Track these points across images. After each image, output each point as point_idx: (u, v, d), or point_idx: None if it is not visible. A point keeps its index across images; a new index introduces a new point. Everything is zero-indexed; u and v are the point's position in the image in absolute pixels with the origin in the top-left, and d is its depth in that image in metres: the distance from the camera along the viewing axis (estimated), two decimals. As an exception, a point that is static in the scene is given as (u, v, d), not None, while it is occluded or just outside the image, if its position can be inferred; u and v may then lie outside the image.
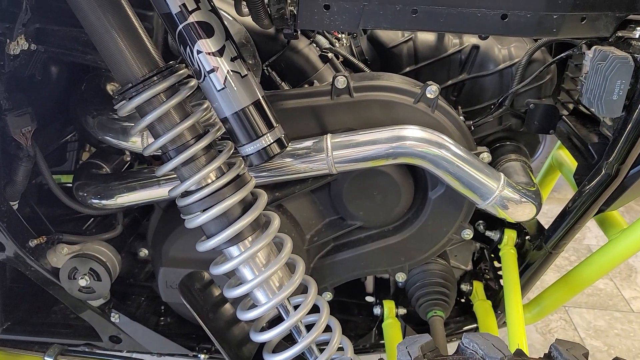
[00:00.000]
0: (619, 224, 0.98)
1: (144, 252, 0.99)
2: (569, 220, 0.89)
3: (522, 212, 0.84)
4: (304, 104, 0.83)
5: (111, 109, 0.82)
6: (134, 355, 1.03)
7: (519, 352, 0.59)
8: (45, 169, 0.86)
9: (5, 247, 0.85)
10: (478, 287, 1.10)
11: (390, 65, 1.01)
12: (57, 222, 0.93)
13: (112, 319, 0.95)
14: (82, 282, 0.90)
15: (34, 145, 0.82)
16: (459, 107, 1.01)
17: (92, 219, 1.02)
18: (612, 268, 0.99)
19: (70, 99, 0.92)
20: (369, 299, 1.11)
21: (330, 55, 0.94)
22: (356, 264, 0.95)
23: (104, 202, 0.88)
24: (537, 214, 0.86)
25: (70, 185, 0.91)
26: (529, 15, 0.64)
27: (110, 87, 0.86)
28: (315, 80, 0.92)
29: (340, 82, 0.82)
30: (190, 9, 0.60)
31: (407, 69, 1.01)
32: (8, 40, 0.68)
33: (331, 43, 0.99)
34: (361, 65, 0.97)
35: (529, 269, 0.99)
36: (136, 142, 0.82)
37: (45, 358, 0.90)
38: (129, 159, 0.95)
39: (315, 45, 0.95)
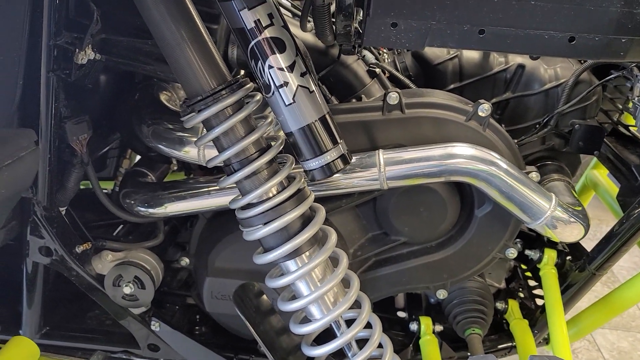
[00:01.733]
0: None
1: (185, 261, 0.99)
2: (615, 242, 0.89)
3: (570, 233, 0.84)
4: (355, 119, 0.84)
5: (166, 119, 0.83)
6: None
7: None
8: (93, 176, 0.87)
9: (53, 252, 0.86)
10: (514, 305, 1.10)
11: (435, 82, 1.01)
12: (88, 228, 0.93)
13: (152, 327, 0.95)
14: (127, 290, 0.90)
15: (87, 153, 0.83)
16: (502, 126, 1.01)
17: (123, 226, 1.02)
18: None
19: (118, 108, 0.93)
20: (401, 314, 1.11)
21: (377, 70, 0.95)
22: (398, 280, 0.95)
23: (151, 210, 0.88)
24: (585, 234, 0.86)
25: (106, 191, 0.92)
26: (597, 39, 0.64)
27: (163, 97, 0.86)
28: (362, 95, 0.92)
29: (393, 98, 0.83)
30: (264, 25, 0.61)
31: (452, 86, 1.01)
32: (77, 50, 0.69)
33: (377, 58, 0.99)
34: (407, 81, 0.97)
35: (570, 289, 0.99)
36: (189, 152, 0.83)
37: (89, 365, 0.90)
38: (175, 168, 0.96)
39: (362, 60, 0.96)
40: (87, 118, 0.80)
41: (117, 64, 0.76)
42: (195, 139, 0.78)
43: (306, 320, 0.72)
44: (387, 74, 0.97)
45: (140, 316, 0.94)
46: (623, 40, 0.64)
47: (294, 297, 0.71)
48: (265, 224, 0.67)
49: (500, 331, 1.10)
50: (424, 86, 1.01)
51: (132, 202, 0.89)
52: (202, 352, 0.95)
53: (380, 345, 0.74)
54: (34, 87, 0.69)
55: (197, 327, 1.03)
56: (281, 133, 0.69)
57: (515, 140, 0.98)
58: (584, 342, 1.72)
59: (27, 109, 0.69)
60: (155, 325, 0.95)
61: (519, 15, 0.61)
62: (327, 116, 0.66)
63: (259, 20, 0.61)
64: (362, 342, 0.73)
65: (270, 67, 0.62)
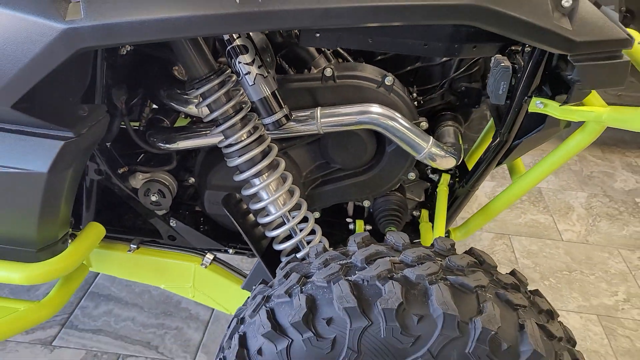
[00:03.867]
0: (520, 171, 1.41)
1: (191, 180, 1.44)
2: (481, 168, 1.32)
3: (445, 163, 1.27)
4: (304, 86, 1.25)
5: (176, 86, 1.24)
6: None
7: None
8: (128, 123, 1.29)
9: (104, 173, 1.30)
10: (424, 213, 1.55)
11: (368, 55, 1.41)
12: (122, 157, 1.35)
13: (171, 224, 1.41)
14: (154, 198, 1.35)
15: (124, 107, 1.25)
16: (415, 86, 1.41)
17: (143, 155, 1.45)
18: (514, 201, 1.42)
19: (144, 76, 1.33)
20: (348, 220, 1.57)
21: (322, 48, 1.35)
22: (336, 194, 1.39)
23: (167, 145, 1.31)
24: (457, 164, 1.29)
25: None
26: (440, 45, 1.05)
27: (175, 71, 1.27)
28: (312, 67, 1.33)
29: (328, 72, 1.23)
30: (235, 37, 1.02)
31: (379, 57, 1.41)
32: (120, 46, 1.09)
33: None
34: (345, 55, 1.37)
35: (456, 201, 1.44)
36: (192, 109, 1.25)
37: (131, 245, 1.37)
38: (184, 116, 1.38)
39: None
40: (124, 85, 1.21)
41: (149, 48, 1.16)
42: (196, 102, 1.20)
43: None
44: (331, 50, 1.37)
45: (162, 216, 1.40)
46: (455, 46, 1.05)
47: (260, 201, 1.16)
48: (239, 156, 1.10)
49: (413, 231, 1.56)
50: (361, 56, 1.41)
51: (155, 139, 1.32)
52: (205, 240, 1.42)
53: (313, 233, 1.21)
54: (94, 72, 1.10)
55: (201, 225, 1.49)
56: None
57: (421, 97, 1.39)
58: (503, 246, 2.20)
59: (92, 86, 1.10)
60: (173, 223, 1.41)
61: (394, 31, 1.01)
62: (276, 91, 1.08)
63: (232, 36, 1.01)
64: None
65: (239, 62, 1.04)
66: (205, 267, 1.31)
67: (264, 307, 0.97)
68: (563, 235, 2.28)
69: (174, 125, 1.39)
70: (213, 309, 1.77)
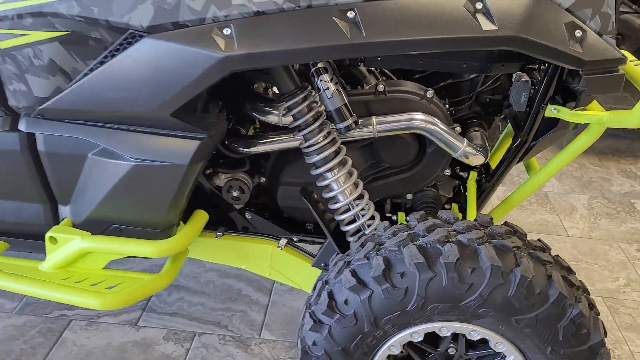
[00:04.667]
0: (535, 167, 1.70)
1: (262, 180, 1.72)
2: (504, 164, 1.61)
3: (476, 160, 1.55)
4: (360, 99, 1.54)
5: (259, 99, 1.53)
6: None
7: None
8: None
9: (196, 173, 1.57)
10: (454, 206, 1.84)
11: (407, 73, 1.71)
12: None
13: (246, 216, 1.68)
14: (235, 194, 1.63)
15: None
16: (447, 99, 1.71)
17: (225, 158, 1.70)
18: (529, 195, 1.71)
19: (232, 91, 1.61)
20: (388, 215, 1.84)
21: (372, 68, 1.65)
22: (385, 188, 1.67)
23: (247, 149, 1.59)
24: (485, 161, 1.57)
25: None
26: (475, 64, 1.35)
27: (257, 88, 1.57)
28: (364, 84, 1.62)
29: (380, 87, 1.52)
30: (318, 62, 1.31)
31: (417, 76, 1.71)
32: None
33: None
34: (389, 73, 1.67)
35: (483, 194, 1.72)
36: (271, 118, 1.53)
37: (217, 233, 1.64)
38: (258, 127, 1.67)
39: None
40: (217, 99, 1.50)
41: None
42: (277, 112, 1.49)
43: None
44: (378, 70, 1.67)
45: (239, 210, 1.68)
46: (488, 65, 1.35)
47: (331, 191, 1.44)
48: (317, 154, 1.39)
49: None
50: (402, 74, 1.71)
51: (236, 145, 1.60)
52: (275, 229, 1.69)
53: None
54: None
55: (269, 216, 1.76)
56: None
57: (453, 108, 1.68)
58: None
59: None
60: (248, 215, 1.68)
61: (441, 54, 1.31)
62: (347, 103, 1.37)
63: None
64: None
65: (321, 80, 1.33)
66: (281, 249, 1.58)
67: (346, 268, 1.25)
68: (569, 231, 2.56)
69: (250, 134, 1.67)
70: (270, 295, 2.04)
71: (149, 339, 1.81)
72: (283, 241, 1.61)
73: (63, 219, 1.40)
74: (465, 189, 1.82)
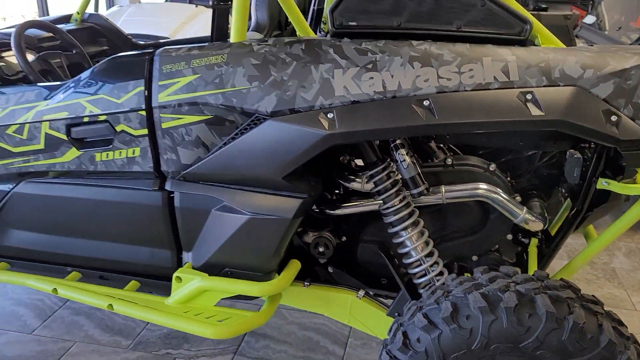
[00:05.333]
0: (593, 235, 1.87)
1: (344, 238, 1.99)
2: (562, 232, 1.80)
3: (535, 226, 1.75)
4: (430, 170, 1.81)
5: (344, 170, 1.83)
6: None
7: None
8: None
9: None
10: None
11: (471, 149, 1.98)
12: None
13: (329, 270, 1.94)
14: (320, 249, 1.91)
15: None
16: (508, 172, 1.95)
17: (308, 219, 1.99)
18: (590, 259, 1.86)
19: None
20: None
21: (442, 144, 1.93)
22: (451, 250, 1.88)
23: (332, 211, 1.87)
24: (543, 228, 1.77)
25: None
26: (531, 142, 1.60)
27: (342, 159, 1.88)
28: (434, 158, 1.90)
29: (448, 161, 1.79)
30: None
31: (480, 152, 1.97)
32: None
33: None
34: (456, 149, 1.94)
35: (543, 259, 1.90)
36: (354, 185, 1.83)
37: (305, 282, 1.90)
38: (342, 192, 1.97)
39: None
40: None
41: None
42: (359, 180, 1.78)
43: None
44: (446, 146, 1.95)
45: (324, 264, 1.94)
46: (542, 143, 1.59)
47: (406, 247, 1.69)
48: (394, 215, 1.65)
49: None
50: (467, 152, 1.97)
51: (323, 207, 1.90)
52: (354, 282, 1.93)
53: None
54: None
55: (347, 270, 2.00)
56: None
57: (514, 180, 1.91)
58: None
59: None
60: (330, 269, 1.94)
61: (502, 133, 1.58)
62: (420, 173, 1.65)
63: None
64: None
65: (399, 153, 1.62)
66: (359, 298, 1.82)
67: (418, 312, 1.47)
68: (636, 306, 2.61)
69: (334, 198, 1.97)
70: (345, 348, 2.24)
71: (239, 378, 2.05)
72: (361, 292, 1.84)
73: (185, 263, 1.73)
74: (527, 254, 2.01)
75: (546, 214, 1.82)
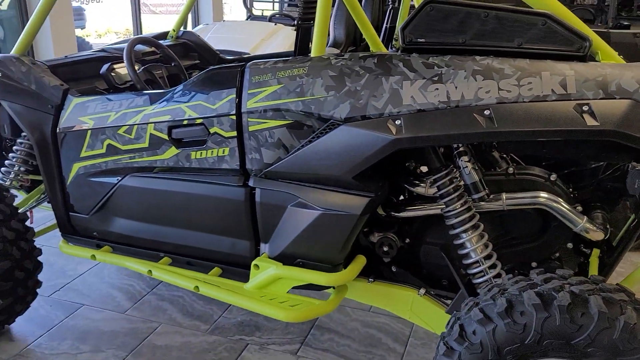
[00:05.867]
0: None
1: (407, 240, 2.12)
2: (623, 242, 1.83)
3: (595, 235, 1.81)
4: (493, 179, 1.91)
5: (409, 175, 1.97)
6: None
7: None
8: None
9: (357, 230, 2.04)
10: (579, 280, 2.05)
11: (533, 160, 2.05)
12: None
13: (392, 269, 2.08)
14: (385, 249, 2.05)
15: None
16: (571, 184, 2.01)
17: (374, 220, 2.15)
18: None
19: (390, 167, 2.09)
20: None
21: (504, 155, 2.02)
22: (510, 256, 1.96)
23: (398, 214, 2.02)
24: (604, 237, 1.82)
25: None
26: (590, 153, 1.67)
27: (407, 165, 2.02)
28: (497, 167, 2.00)
29: (510, 170, 1.89)
30: (460, 145, 1.74)
31: (543, 163, 2.04)
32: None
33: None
34: (518, 160, 2.03)
35: (604, 269, 1.93)
36: (418, 189, 1.96)
37: (369, 279, 2.05)
38: (407, 196, 2.11)
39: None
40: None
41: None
42: (424, 185, 1.91)
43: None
44: (509, 157, 2.04)
45: (386, 263, 2.08)
46: (602, 154, 1.66)
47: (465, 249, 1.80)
48: (455, 218, 1.77)
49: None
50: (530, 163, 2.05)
51: (389, 209, 2.04)
52: (416, 281, 2.06)
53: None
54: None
55: (408, 269, 2.13)
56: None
57: (576, 192, 1.97)
58: None
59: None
60: (394, 268, 2.08)
61: (561, 143, 1.67)
62: (482, 179, 1.76)
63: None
64: (492, 270, 1.79)
65: (462, 160, 1.74)
66: (421, 296, 1.94)
67: (475, 307, 1.57)
68: None
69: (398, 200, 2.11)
70: (406, 346, 2.35)
71: (305, 366, 2.22)
72: (422, 290, 1.97)
73: (262, 253, 1.93)
74: (588, 264, 2.05)
75: (608, 225, 1.87)
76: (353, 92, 1.58)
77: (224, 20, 6.05)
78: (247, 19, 6.45)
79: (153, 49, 2.65)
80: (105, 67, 2.32)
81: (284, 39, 5.07)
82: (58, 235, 2.32)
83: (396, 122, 1.53)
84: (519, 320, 1.46)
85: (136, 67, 2.35)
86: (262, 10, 7.75)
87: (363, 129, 1.56)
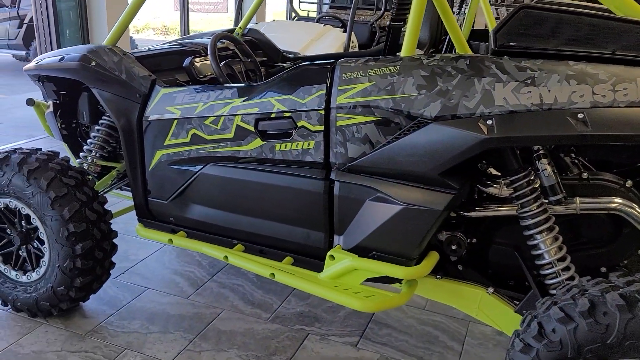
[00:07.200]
0: None
1: (474, 240, 2.16)
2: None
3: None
4: (568, 183, 1.94)
5: (482, 175, 2.02)
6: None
7: None
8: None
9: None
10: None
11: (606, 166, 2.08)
12: None
13: (459, 267, 2.12)
14: (453, 247, 2.09)
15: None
16: (641, 191, 2.03)
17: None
18: None
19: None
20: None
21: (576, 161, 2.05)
22: (582, 260, 1.99)
23: (468, 214, 2.06)
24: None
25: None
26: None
27: (480, 165, 2.07)
28: (569, 172, 2.03)
29: (584, 174, 1.92)
30: (539, 147, 1.78)
31: (614, 170, 2.06)
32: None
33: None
34: (589, 165, 2.06)
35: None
36: (490, 190, 2.00)
37: (437, 275, 2.10)
38: (476, 196, 2.15)
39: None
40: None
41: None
42: (497, 186, 1.95)
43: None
44: (580, 162, 2.07)
45: (453, 261, 2.12)
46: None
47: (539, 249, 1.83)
48: (531, 219, 1.81)
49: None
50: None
51: (459, 209, 2.09)
52: (481, 279, 2.09)
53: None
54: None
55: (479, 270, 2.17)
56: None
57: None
58: None
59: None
60: (460, 267, 2.12)
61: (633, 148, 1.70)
62: (559, 182, 1.79)
63: (539, 147, 1.78)
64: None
65: (541, 162, 1.78)
66: (489, 294, 1.99)
67: (554, 306, 1.61)
68: None
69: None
70: (463, 345, 2.39)
71: (365, 358, 2.27)
72: (491, 288, 2.01)
73: (336, 245, 1.99)
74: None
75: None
76: (444, 92, 1.63)
77: (273, 20, 6.16)
78: (292, 19, 6.56)
79: (226, 44, 2.74)
80: (188, 60, 2.42)
81: (333, 40, 5.15)
82: (120, 220, 2.41)
83: (487, 122, 1.58)
84: (602, 321, 1.49)
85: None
86: (308, 11, 7.85)
87: (453, 127, 1.61)
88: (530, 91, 1.54)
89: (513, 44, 1.61)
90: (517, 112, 1.56)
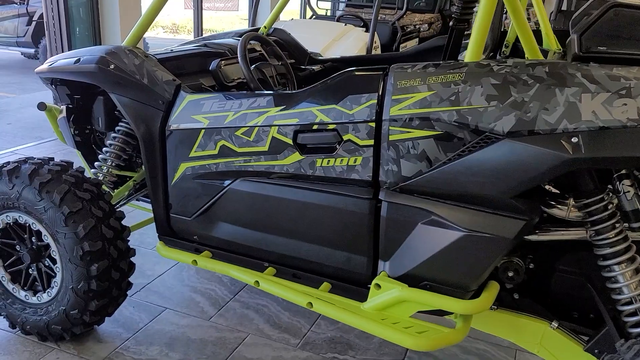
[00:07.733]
0: None
1: (532, 265, 1.94)
2: None
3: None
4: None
5: (546, 195, 1.79)
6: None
7: None
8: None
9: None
10: None
11: None
12: None
13: (514, 296, 1.90)
14: (510, 274, 1.87)
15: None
16: None
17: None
18: None
19: None
20: None
21: None
22: None
23: (529, 237, 1.84)
24: None
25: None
26: None
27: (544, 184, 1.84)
28: None
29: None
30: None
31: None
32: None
33: None
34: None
35: None
36: (554, 211, 1.78)
37: (492, 305, 1.88)
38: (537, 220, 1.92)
39: None
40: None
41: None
42: (563, 207, 1.73)
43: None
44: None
45: (508, 289, 1.90)
46: None
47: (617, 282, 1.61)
48: (609, 247, 1.58)
49: None
50: None
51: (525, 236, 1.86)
52: (538, 309, 1.87)
53: None
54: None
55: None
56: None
57: None
58: None
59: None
60: (516, 295, 1.90)
61: None
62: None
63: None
64: None
65: (623, 184, 1.55)
66: (553, 329, 1.76)
67: (642, 350, 1.39)
68: None
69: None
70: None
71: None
72: (555, 322, 1.78)
73: (380, 271, 1.78)
74: None
75: None
76: (520, 104, 1.41)
77: (292, 19, 5.94)
78: (311, 17, 6.34)
79: (253, 45, 2.53)
80: (214, 63, 2.21)
81: (355, 40, 4.93)
82: (136, 234, 2.20)
83: (572, 139, 1.36)
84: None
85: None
86: (326, 10, 7.63)
87: (531, 145, 1.40)
88: (625, 104, 1.32)
89: (602, 48, 1.38)
90: (609, 128, 1.33)
